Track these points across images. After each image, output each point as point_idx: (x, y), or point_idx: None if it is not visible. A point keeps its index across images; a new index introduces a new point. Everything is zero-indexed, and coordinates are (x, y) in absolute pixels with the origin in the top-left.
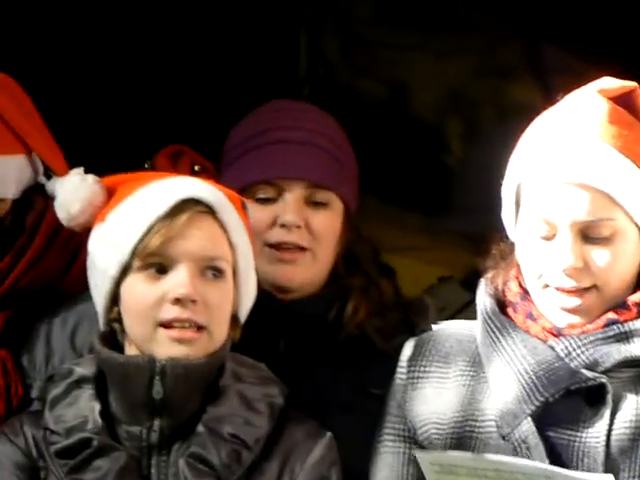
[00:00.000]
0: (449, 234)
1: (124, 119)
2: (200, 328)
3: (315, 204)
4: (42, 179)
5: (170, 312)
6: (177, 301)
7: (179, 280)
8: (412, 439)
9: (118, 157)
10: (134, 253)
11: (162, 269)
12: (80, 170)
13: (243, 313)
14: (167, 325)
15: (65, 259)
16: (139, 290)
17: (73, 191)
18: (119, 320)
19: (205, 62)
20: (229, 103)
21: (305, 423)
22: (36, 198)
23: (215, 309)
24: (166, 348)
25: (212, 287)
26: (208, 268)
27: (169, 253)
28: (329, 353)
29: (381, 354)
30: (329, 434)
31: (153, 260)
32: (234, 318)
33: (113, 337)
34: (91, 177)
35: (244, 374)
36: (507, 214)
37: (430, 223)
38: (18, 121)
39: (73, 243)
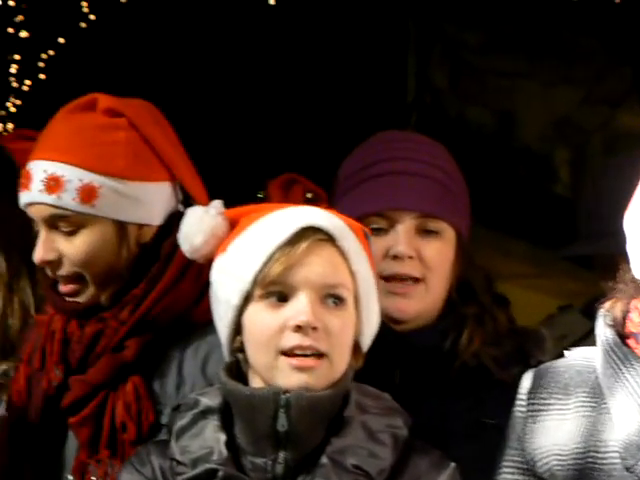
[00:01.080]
0: (556, 262)
1: (237, 149)
2: (321, 356)
3: (427, 233)
4: (181, 207)
5: (292, 340)
6: (298, 328)
7: (300, 307)
8: (531, 472)
9: (232, 187)
10: (255, 282)
11: (283, 297)
12: (218, 202)
13: (366, 341)
14: (289, 353)
15: (198, 289)
16: (261, 318)
17: (196, 223)
18: (242, 350)
19: (315, 91)
20: (338, 129)
21: (429, 454)
22: (175, 226)
23: (336, 336)
24: (287, 376)
25: (333, 315)
26: (328, 296)
27: (289, 281)
28: (445, 383)
29: (497, 384)
30: (453, 465)
31: (274, 288)
32: (356, 346)
33: (238, 368)
34: (214, 209)
35: (368, 405)
36: (635, 247)
37: (536, 251)
38: (164, 148)
39: (205, 274)
